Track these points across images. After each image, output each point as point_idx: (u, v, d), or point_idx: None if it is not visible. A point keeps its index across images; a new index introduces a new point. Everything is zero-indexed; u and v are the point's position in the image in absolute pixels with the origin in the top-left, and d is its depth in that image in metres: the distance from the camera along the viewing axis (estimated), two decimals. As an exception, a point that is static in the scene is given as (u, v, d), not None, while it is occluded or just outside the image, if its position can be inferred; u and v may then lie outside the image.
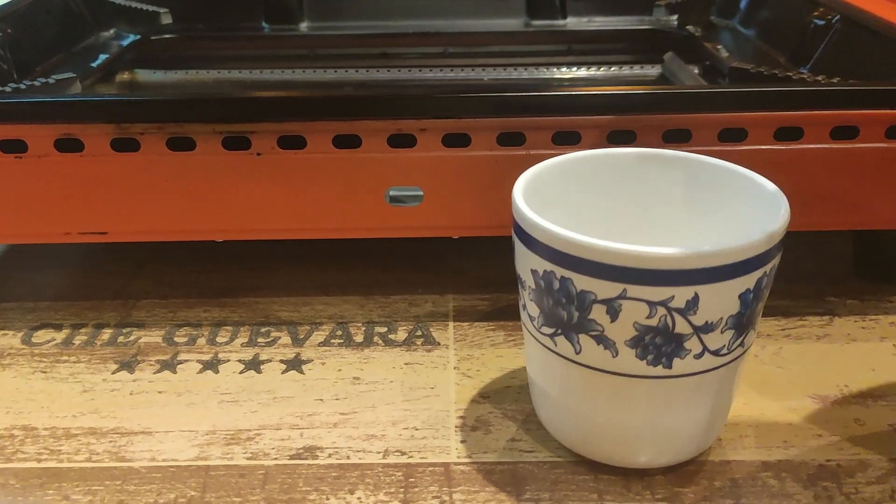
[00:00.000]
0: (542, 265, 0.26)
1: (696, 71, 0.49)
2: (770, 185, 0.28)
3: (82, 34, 0.55)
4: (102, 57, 0.51)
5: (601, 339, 0.25)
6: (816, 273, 0.40)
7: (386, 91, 0.45)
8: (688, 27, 0.54)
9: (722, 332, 0.25)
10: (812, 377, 0.33)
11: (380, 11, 0.59)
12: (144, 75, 0.52)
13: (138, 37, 0.55)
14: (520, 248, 0.27)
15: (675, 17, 0.55)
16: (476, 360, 0.34)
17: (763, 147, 0.33)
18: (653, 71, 0.52)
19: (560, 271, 0.25)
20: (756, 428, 0.30)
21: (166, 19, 0.56)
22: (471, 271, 0.41)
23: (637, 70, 0.52)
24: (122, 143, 0.34)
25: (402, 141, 0.34)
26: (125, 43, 0.55)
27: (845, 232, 0.39)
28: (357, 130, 0.33)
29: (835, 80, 0.38)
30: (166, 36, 0.55)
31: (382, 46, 0.58)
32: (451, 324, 0.37)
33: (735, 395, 0.28)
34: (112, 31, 0.57)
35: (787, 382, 0.33)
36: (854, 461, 0.29)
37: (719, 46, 0.50)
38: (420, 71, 0.54)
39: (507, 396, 0.32)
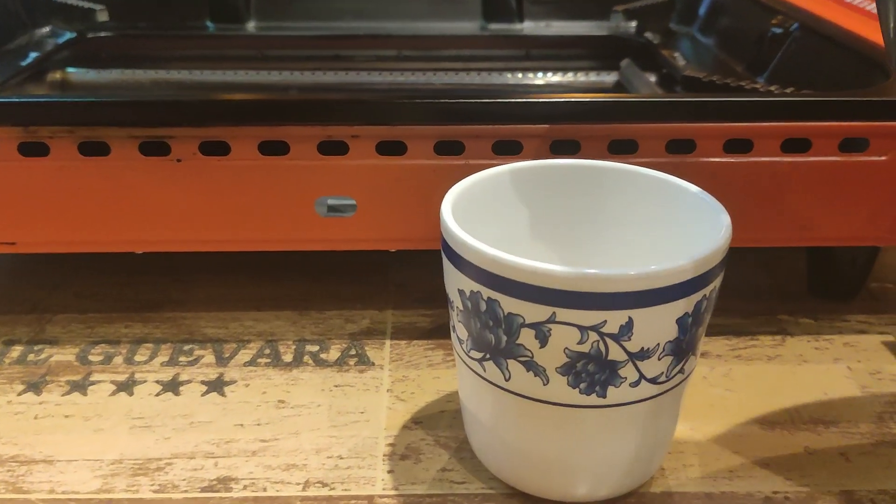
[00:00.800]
0: (469, 285, 0.24)
1: (653, 79, 0.48)
2: (713, 202, 0.26)
3: (16, 32, 0.52)
4: (33, 55, 0.48)
5: (531, 366, 0.23)
6: (770, 289, 0.39)
7: (315, 95, 0.42)
8: (646, 34, 0.53)
9: (659, 359, 0.23)
10: (762, 401, 0.31)
11: (331, 12, 0.57)
12: (77, 75, 0.49)
13: (74, 35, 0.53)
14: (447, 266, 0.25)
15: (634, 23, 0.54)
16: (411, 381, 0.32)
17: (712, 159, 0.32)
18: (609, 78, 0.50)
19: (487, 292, 0.23)
20: (701, 456, 0.29)
21: (103, 17, 0.53)
22: (413, 284, 0.39)
23: (593, 77, 0.50)
24: (31, 148, 0.31)
25: (332, 148, 0.32)
26: (61, 41, 0.52)
27: (799, 247, 0.38)
28: (284, 136, 0.31)
29: (788, 91, 0.36)
30: (103, 34, 0.53)
31: (334, 48, 0.56)
32: (387, 342, 0.35)
33: (678, 421, 0.27)
34: (48, 29, 0.54)
35: (736, 406, 0.31)
36: (803, 493, 0.27)
37: (676, 54, 0.49)
38: (370, 74, 0.52)
39: (441, 422, 0.30)
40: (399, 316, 0.37)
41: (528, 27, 0.56)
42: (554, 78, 0.51)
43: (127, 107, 0.31)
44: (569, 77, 0.50)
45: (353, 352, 0.34)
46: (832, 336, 0.35)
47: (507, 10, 0.56)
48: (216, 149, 0.31)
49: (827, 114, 0.32)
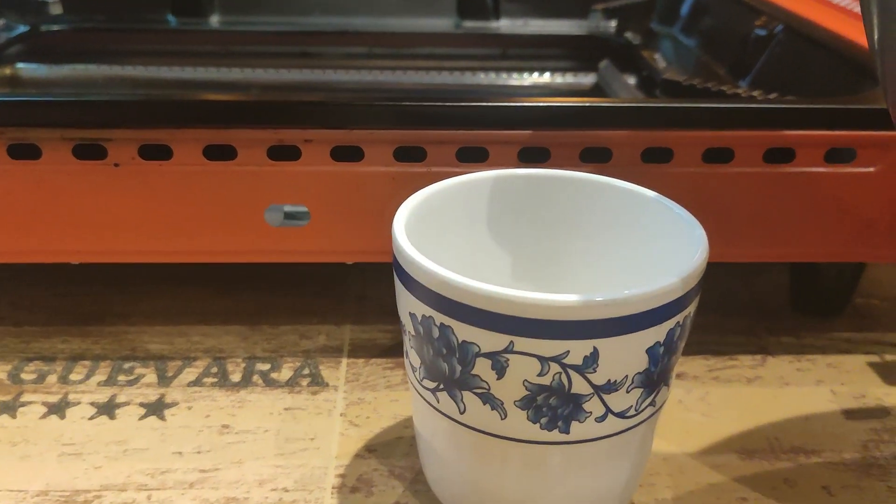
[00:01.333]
0: (421, 309, 0.22)
1: (632, 81, 0.46)
2: (689, 218, 0.24)
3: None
4: (-19, 48, 0.46)
5: (487, 399, 0.21)
6: (749, 305, 0.37)
7: (266, 95, 0.40)
8: (626, 34, 0.51)
9: (628, 392, 0.21)
10: (740, 427, 0.29)
11: (299, 7, 0.54)
12: (28, 71, 0.47)
13: (27, 28, 0.50)
14: (399, 287, 0.23)
15: (614, 22, 0.52)
16: (367, 404, 0.30)
17: (690, 169, 0.30)
18: (587, 80, 0.48)
19: (439, 317, 0.21)
20: (675, 490, 0.27)
21: (57, 9, 0.51)
22: (374, 298, 0.37)
23: (570, 78, 0.48)
24: (-46, 150, 0.29)
25: (284, 153, 0.29)
26: (13, 35, 0.49)
27: (782, 262, 0.36)
28: (231, 140, 0.29)
29: (771, 97, 0.34)
30: (57, 28, 0.50)
31: (301, 45, 0.53)
32: (344, 360, 0.33)
33: (649, 453, 0.25)
34: (1, 22, 0.51)
35: (713, 434, 0.29)
36: (782, 531, 0.25)
37: (657, 55, 0.47)
38: (337, 73, 0.49)
39: (397, 450, 0.28)
40: (358, 332, 0.34)
41: (505, 25, 0.54)
42: (530, 79, 0.48)
43: (59, 106, 0.28)
44: (545, 78, 0.48)
45: (306, 371, 0.32)
46: (815, 356, 0.33)
47: (482, 8, 0.54)
48: (157, 153, 0.29)
49: (812, 122, 0.30)
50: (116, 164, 0.29)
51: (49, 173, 0.29)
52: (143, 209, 0.30)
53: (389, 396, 0.31)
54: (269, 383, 0.31)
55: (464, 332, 0.21)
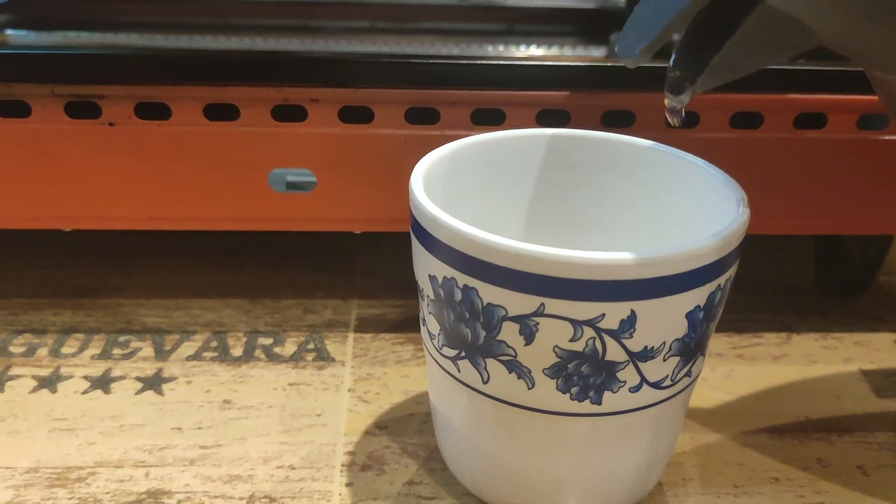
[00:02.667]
0: (442, 270, 0.20)
1: (645, 54, 0.44)
2: (726, 178, 0.22)
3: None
4: (-33, 14, 0.44)
5: (514, 366, 0.20)
6: (773, 282, 0.35)
7: (267, 52, 0.38)
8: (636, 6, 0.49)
9: (664, 360, 0.20)
10: (768, 406, 0.28)
11: (300, -22, 0.52)
12: (16, 38, 0.45)
13: (17, -6, 0.48)
14: (417, 248, 0.21)
15: (624, -5, 0.50)
16: (376, 380, 0.29)
17: (717, 135, 0.29)
18: (598, 52, 0.47)
19: (463, 279, 0.19)
20: (703, 469, 0.25)
21: (47, -26, 0.49)
22: (382, 271, 0.35)
23: (581, 51, 0.47)
24: (-62, 106, 0.27)
25: (289, 113, 0.28)
26: (2, 1, 0.47)
27: (806, 236, 0.35)
28: (233, 99, 0.27)
29: (800, 60, 0.33)
30: (48, -6, 0.48)
31: (303, 17, 0.51)
32: (351, 335, 0.31)
33: (681, 429, 0.23)
34: (-11, -12, 0.49)
35: (740, 412, 0.28)
36: (817, 512, 0.24)
37: (670, 28, 0.45)
38: (338, 44, 0.48)
39: (409, 427, 0.27)
40: (365, 307, 0.33)
41: (511, -1, 0.52)
42: (538, 51, 0.47)
43: (49, 60, 0.27)
44: (554, 50, 0.47)
45: (311, 346, 0.30)
46: (841, 334, 0.32)
47: (489, -20, 0.52)
48: (155, 112, 0.27)
49: (844, 86, 0.28)
50: (111, 124, 0.27)
51: (39, 132, 0.27)
52: (140, 172, 0.28)
53: (400, 372, 0.29)
54: (272, 358, 0.30)
55: (489, 293, 0.19)
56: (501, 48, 0.47)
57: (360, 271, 0.35)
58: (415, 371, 0.29)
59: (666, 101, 0.21)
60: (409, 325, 0.32)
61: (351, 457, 0.25)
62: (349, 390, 0.28)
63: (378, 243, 0.37)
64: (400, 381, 0.29)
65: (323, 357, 0.30)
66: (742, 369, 0.30)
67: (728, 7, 0.19)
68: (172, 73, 0.27)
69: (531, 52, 0.47)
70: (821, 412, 0.28)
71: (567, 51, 0.47)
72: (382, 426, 0.27)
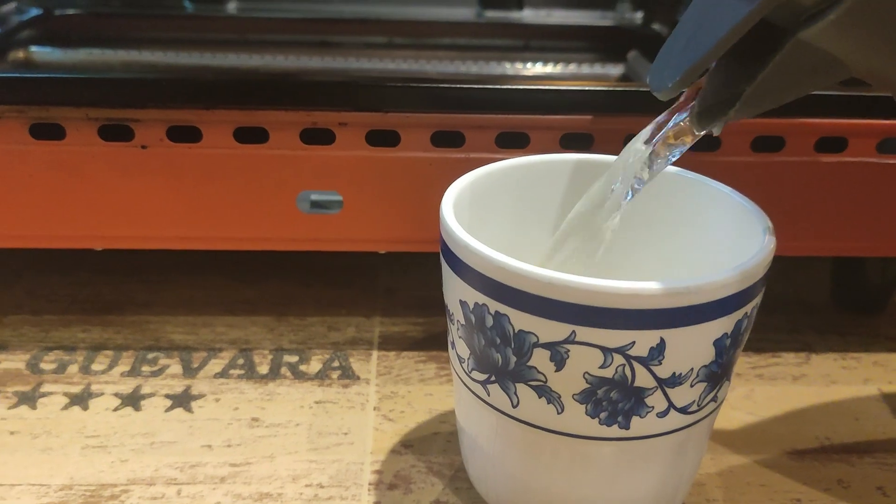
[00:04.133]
0: (474, 296, 0.20)
1: (662, 72, 0.45)
2: (752, 206, 0.23)
3: (-23, 6, 0.48)
4: (-6, 31, 0.44)
5: (543, 391, 0.20)
6: (790, 300, 0.36)
7: (298, 76, 0.39)
8: (653, 25, 0.50)
9: (692, 386, 0.20)
10: (788, 427, 0.28)
11: (319, -5, 0.53)
12: (42, 55, 0.46)
13: (41, 11, 0.49)
14: (448, 273, 0.22)
15: (640, 13, 0.51)
16: (401, 398, 0.29)
17: (738, 158, 0.29)
18: (615, 70, 0.47)
19: (494, 305, 0.20)
20: (725, 490, 0.26)
21: (71, -8, 0.50)
22: (404, 290, 0.36)
23: (598, 69, 0.47)
24: (-25, 129, 0.28)
25: (317, 137, 0.28)
26: (26, 18, 0.48)
27: (827, 256, 0.35)
28: (263, 122, 0.28)
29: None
30: (72, 11, 0.49)
31: (321, 34, 0.52)
32: (374, 353, 0.32)
33: (704, 452, 0.24)
34: (13, 5, 0.50)
35: (761, 433, 0.28)
36: (839, 534, 0.24)
37: (687, 46, 0.46)
38: (358, 61, 0.48)
39: (435, 446, 0.27)
40: (388, 324, 0.33)
41: (528, 16, 0.53)
42: (556, 69, 0.47)
43: (85, 84, 0.27)
44: (572, 68, 0.47)
45: (336, 363, 0.31)
46: (860, 354, 0.32)
47: (505, -3, 0.53)
48: (186, 135, 0.28)
49: (865, 111, 0.29)
50: (144, 146, 0.28)
51: (73, 154, 0.28)
52: (171, 193, 0.29)
53: (423, 390, 0.30)
54: (298, 376, 0.30)
55: (521, 320, 0.20)
56: (519, 66, 0.48)
57: (381, 289, 0.36)
58: (438, 389, 0.30)
59: (695, 131, 0.21)
60: (430, 342, 0.32)
61: (378, 475, 0.26)
62: (374, 408, 0.29)
63: (399, 261, 0.37)
64: (424, 399, 0.29)
65: (348, 375, 0.30)
66: (762, 389, 0.30)
67: (761, 40, 0.19)
68: (204, 98, 0.27)
69: (549, 71, 0.48)
70: (841, 434, 0.28)
71: (585, 69, 0.47)
72: (408, 445, 0.27)
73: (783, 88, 0.20)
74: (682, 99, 0.22)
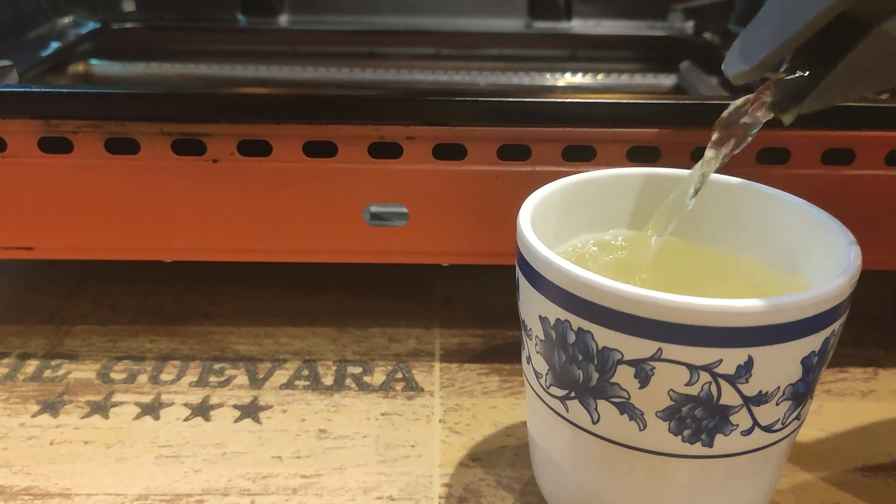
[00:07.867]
0: (555, 312, 0.20)
1: (716, 82, 0.44)
2: (831, 219, 0.23)
3: (37, 21, 0.49)
4: (55, 45, 0.45)
5: (626, 408, 0.20)
6: (853, 314, 0.35)
7: (367, 91, 0.40)
8: (705, 35, 0.49)
9: (777, 404, 0.20)
10: (859, 443, 0.28)
11: (368, 6, 0.53)
12: (101, 67, 0.47)
13: (98, 25, 0.50)
14: (526, 288, 0.22)
15: (692, 23, 0.51)
16: (466, 411, 0.29)
17: (808, 171, 0.29)
18: (667, 81, 0.47)
19: (577, 322, 0.20)
20: (799, 508, 0.25)
21: (129, 6, 0.51)
22: (461, 301, 0.36)
23: (651, 79, 0.47)
24: (52, 144, 0.28)
25: (385, 151, 0.28)
26: (84, 31, 0.49)
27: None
28: (332, 136, 0.28)
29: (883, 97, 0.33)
30: (129, 25, 0.50)
31: (370, 45, 0.52)
32: (437, 365, 0.32)
33: (783, 470, 0.23)
34: (70, 19, 0.51)
35: (832, 449, 0.28)
36: (919, 555, 0.24)
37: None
38: (410, 73, 0.49)
39: (502, 459, 0.27)
40: (447, 336, 0.33)
41: (577, 26, 0.52)
42: (609, 80, 0.47)
43: (159, 100, 0.28)
44: (625, 79, 0.47)
45: (399, 375, 0.31)
46: (928, 369, 0.32)
47: (554, 8, 0.53)
48: (256, 149, 0.28)
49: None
50: (215, 160, 0.28)
51: (147, 168, 0.28)
52: (241, 206, 0.29)
53: (487, 403, 0.30)
54: (363, 387, 0.30)
55: (605, 337, 0.20)
56: (570, 76, 0.48)
57: (438, 299, 0.36)
58: (502, 402, 0.30)
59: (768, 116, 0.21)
60: (492, 355, 0.32)
61: (447, 489, 0.26)
62: (440, 421, 0.29)
63: (454, 271, 0.38)
64: (488, 412, 0.29)
65: (412, 387, 0.30)
66: (831, 405, 0.30)
67: (841, 30, 0.19)
68: (274, 113, 0.28)
69: (602, 81, 0.48)
70: (914, 451, 0.28)
71: (637, 79, 0.47)
72: (476, 458, 0.27)
73: (859, 80, 0.19)
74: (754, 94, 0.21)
